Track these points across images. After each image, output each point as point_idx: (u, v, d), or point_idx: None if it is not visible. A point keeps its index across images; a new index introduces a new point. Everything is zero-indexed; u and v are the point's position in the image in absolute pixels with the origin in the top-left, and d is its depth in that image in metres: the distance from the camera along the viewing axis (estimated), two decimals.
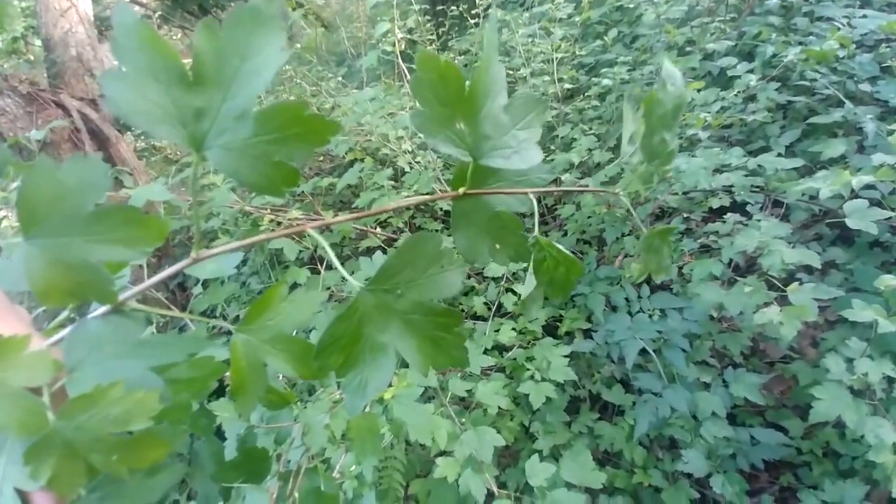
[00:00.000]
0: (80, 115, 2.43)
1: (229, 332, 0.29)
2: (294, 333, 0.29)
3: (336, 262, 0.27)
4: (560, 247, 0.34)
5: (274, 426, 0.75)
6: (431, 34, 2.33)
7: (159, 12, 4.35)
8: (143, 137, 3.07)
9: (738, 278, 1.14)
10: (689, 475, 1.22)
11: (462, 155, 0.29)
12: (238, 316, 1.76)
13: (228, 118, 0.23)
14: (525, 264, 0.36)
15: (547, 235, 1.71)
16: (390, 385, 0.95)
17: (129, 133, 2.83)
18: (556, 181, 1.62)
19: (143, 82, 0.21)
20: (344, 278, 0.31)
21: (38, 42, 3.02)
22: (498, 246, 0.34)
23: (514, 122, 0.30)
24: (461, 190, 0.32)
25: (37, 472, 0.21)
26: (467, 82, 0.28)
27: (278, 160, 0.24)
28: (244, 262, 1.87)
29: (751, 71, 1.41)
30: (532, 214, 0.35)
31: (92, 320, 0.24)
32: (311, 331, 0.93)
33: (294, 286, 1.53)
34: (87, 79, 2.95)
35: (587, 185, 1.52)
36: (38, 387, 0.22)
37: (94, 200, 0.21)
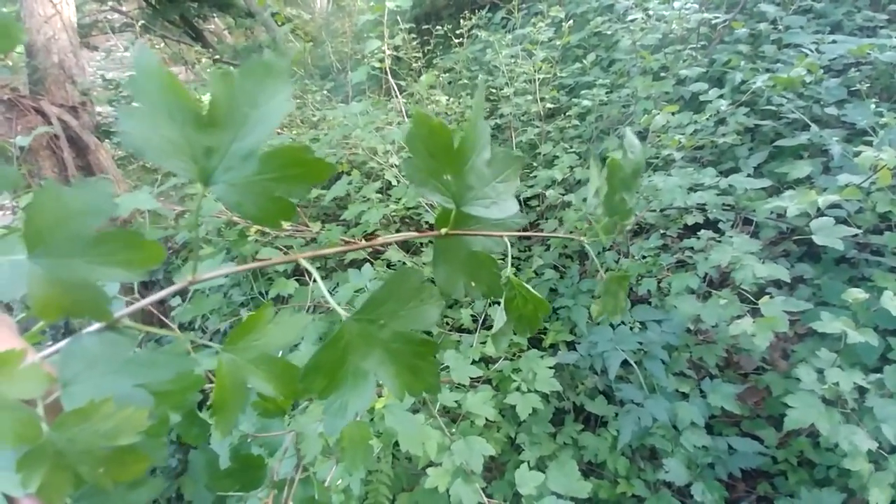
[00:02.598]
0: (60, 121, 2.39)
1: (206, 347, 0.30)
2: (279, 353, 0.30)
3: (327, 294, 0.29)
4: (529, 287, 0.37)
5: (265, 435, 0.74)
6: (417, 52, 2.38)
7: (141, 22, 4.33)
8: (122, 146, 3.02)
9: (713, 291, 1.19)
10: (670, 484, 1.24)
11: (447, 202, 0.32)
12: (219, 329, 1.72)
13: (236, 157, 0.25)
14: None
15: (531, 249, 1.74)
16: (380, 395, 0.95)
17: (107, 141, 2.78)
18: (539, 196, 1.66)
19: (159, 120, 0.23)
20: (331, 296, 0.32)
21: (20, 48, 2.96)
22: (473, 283, 0.36)
23: (495, 175, 0.33)
24: (444, 230, 0.34)
25: (28, 480, 0.22)
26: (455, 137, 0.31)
27: (278, 196, 0.26)
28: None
29: (721, 96, 1.49)
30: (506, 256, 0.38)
31: (87, 336, 0.25)
32: (297, 345, 0.93)
33: (278, 298, 1.52)
34: (68, 86, 2.91)
35: (570, 202, 1.56)
36: (32, 399, 0.23)
37: (98, 223, 0.22)
